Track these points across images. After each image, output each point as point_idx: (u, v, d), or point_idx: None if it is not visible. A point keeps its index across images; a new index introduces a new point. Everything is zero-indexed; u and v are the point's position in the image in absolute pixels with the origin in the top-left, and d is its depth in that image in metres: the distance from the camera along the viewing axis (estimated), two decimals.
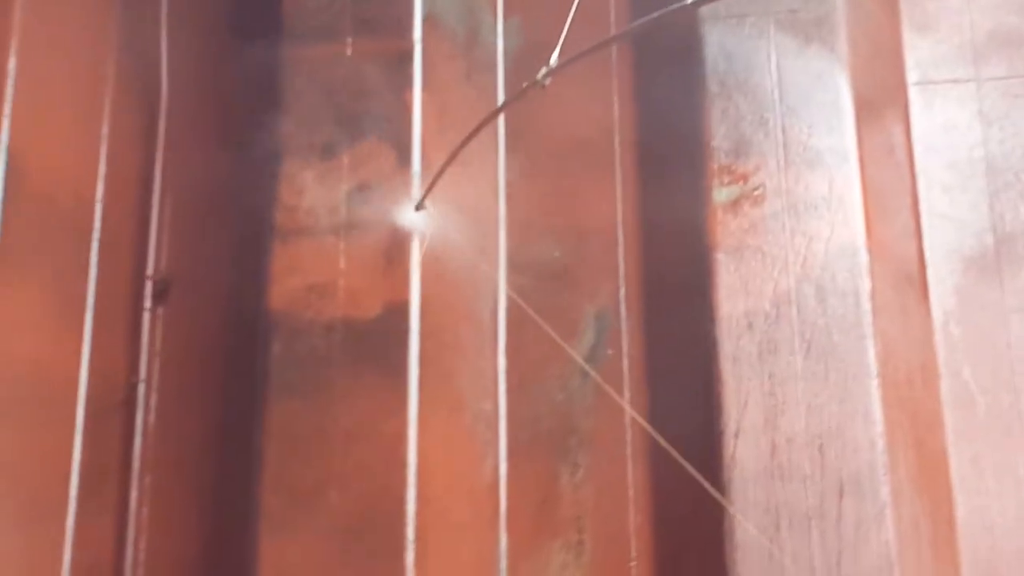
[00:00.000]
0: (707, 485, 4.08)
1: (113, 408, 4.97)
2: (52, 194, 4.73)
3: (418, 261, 4.71)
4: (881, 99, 5.10)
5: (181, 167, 5.27)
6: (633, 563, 4.84)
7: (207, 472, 4.99)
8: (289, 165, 4.87)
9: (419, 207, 4.68)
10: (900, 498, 4.49)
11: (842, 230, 4.74)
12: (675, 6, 3.41)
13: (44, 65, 4.72)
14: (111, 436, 4.94)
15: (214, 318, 5.12)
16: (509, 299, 5.02)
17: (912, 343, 4.86)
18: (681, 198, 4.96)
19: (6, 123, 4.54)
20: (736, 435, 4.58)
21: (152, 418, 5.05)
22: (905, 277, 4.93)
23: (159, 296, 5.16)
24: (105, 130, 5.03)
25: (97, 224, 4.92)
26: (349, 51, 4.98)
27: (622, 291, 5.13)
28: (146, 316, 5.13)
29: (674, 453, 4.00)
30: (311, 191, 4.83)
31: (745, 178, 4.84)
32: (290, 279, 4.75)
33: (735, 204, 4.82)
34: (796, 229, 4.76)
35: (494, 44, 5.35)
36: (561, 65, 3.67)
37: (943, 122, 5.28)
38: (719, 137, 4.90)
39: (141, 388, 5.05)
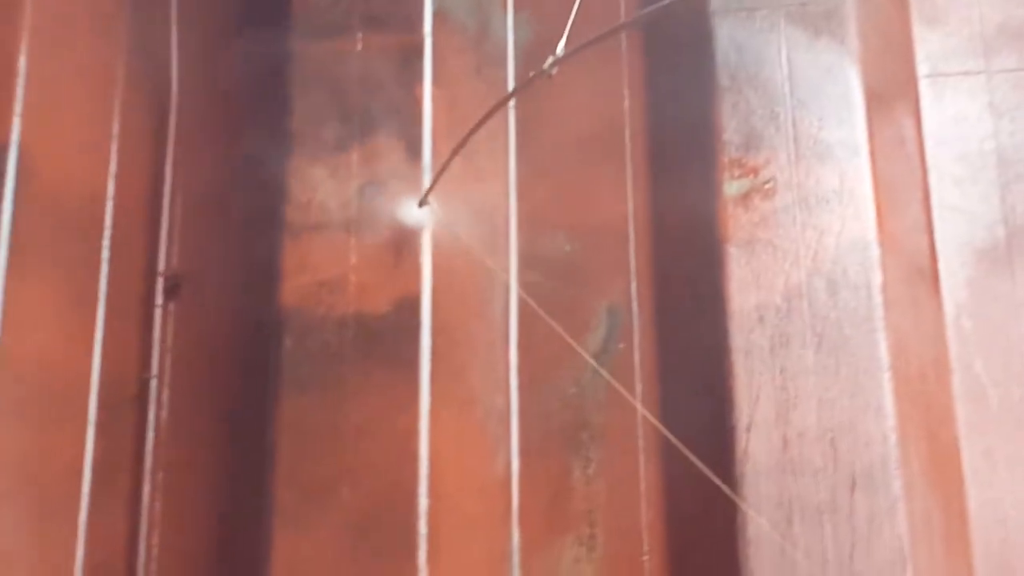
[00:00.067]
0: (720, 483, 4.07)
1: (125, 404, 4.98)
2: (63, 192, 4.74)
3: (429, 256, 4.71)
4: (891, 92, 5.08)
5: (192, 164, 5.28)
6: (645, 557, 4.84)
7: (219, 468, 4.99)
8: (299, 161, 4.88)
9: (422, 203, 4.68)
10: (912, 492, 4.48)
11: (853, 223, 4.73)
12: None
13: (54, 64, 4.74)
14: (123, 432, 4.95)
15: (225, 314, 5.12)
16: (520, 295, 5.02)
17: (924, 336, 4.85)
18: (692, 192, 4.96)
19: (17, 122, 4.56)
20: (748, 429, 4.58)
21: (164, 414, 5.07)
22: (917, 270, 4.92)
23: (170, 292, 5.17)
24: (115, 128, 5.04)
25: (108, 221, 4.93)
26: (359, 46, 4.98)
27: (633, 285, 5.12)
28: (157, 312, 5.14)
29: (686, 452, 4.00)
30: (321, 187, 4.83)
31: (756, 171, 4.83)
32: (301, 275, 4.76)
33: (746, 198, 4.81)
34: (807, 222, 4.75)
35: (504, 38, 5.35)
36: (568, 54, 3.67)
37: (954, 114, 5.26)
38: (730, 131, 4.89)
39: (153, 384, 5.06)
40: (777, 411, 4.58)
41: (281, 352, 4.71)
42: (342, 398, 4.64)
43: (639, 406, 4.70)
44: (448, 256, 4.75)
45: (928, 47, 5.32)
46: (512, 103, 5.22)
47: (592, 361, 4.85)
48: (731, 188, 4.83)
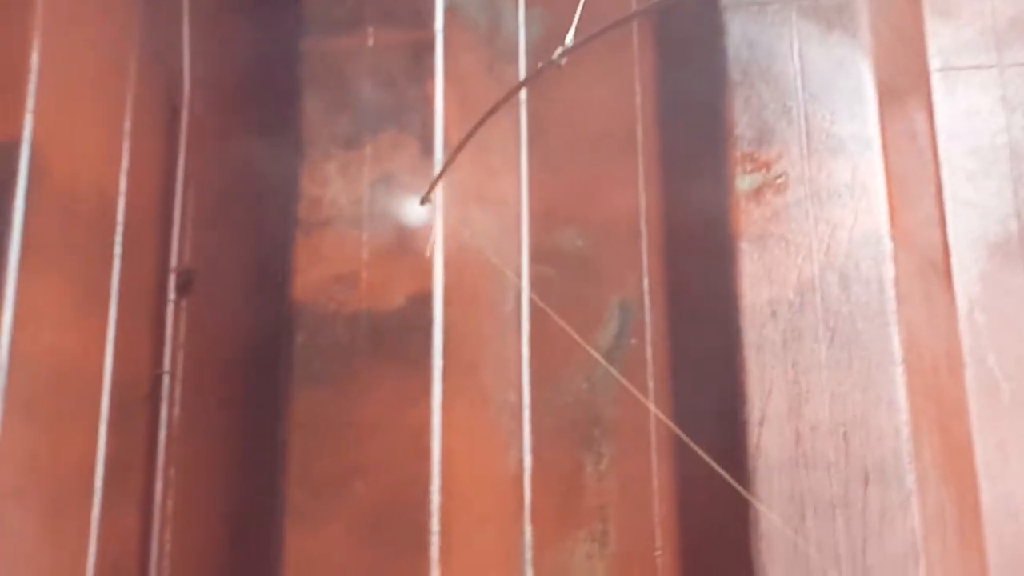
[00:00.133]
0: (730, 479, 4.05)
1: (137, 401, 5.00)
2: (75, 188, 4.75)
3: (441, 252, 4.71)
4: (903, 86, 5.08)
5: (204, 160, 5.29)
6: (658, 553, 4.84)
7: (231, 464, 5.00)
8: (311, 157, 4.88)
9: (424, 200, 4.66)
10: (925, 486, 4.48)
11: (865, 217, 4.72)
12: None
13: (66, 61, 4.74)
14: (136, 428, 4.97)
15: (238, 310, 5.13)
16: (532, 291, 5.02)
17: (936, 330, 4.85)
18: (704, 187, 4.96)
19: (29, 119, 4.56)
20: (760, 424, 4.57)
21: (176, 410, 5.08)
22: (929, 264, 4.91)
23: (183, 288, 5.18)
24: (128, 124, 5.05)
25: (120, 218, 4.95)
26: (371, 42, 4.98)
27: (645, 281, 5.12)
28: (170, 308, 5.15)
29: (700, 452, 3.98)
30: (334, 183, 4.83)
31: (768, 166, 4.83)
32: (313, 270, 4.76)
33: (758, 192, 4.81)
34: (819, 217, 4.74)
35: (516, 34, 5.36)
36: (577, 44, 3.65)
37: (966, 108, 5.25)
38: (742, 125, 4.88)
39: (165, 380, 5.08)
40: (789, 405, 4.58)
41: (293, 348, 4.71)
42: (354, 394, 4.64)
43: (652, 406, 4.69)
44: (460, 252, 4.75)
45: (940, 41, 5.31)
46: (524, 100, 5.23)
47: (603, 361, 4.83)
48: (743, 183, 4.82)
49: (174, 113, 5.29)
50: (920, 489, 4.44)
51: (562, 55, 3.66)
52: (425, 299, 4.68)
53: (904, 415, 4.50)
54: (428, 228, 4.71)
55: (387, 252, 4.74)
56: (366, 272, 4.73)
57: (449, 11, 5.01)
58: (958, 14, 5.35)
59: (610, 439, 4.98)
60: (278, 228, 4.87)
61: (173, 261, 5.19)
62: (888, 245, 4.69)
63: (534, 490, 4.92)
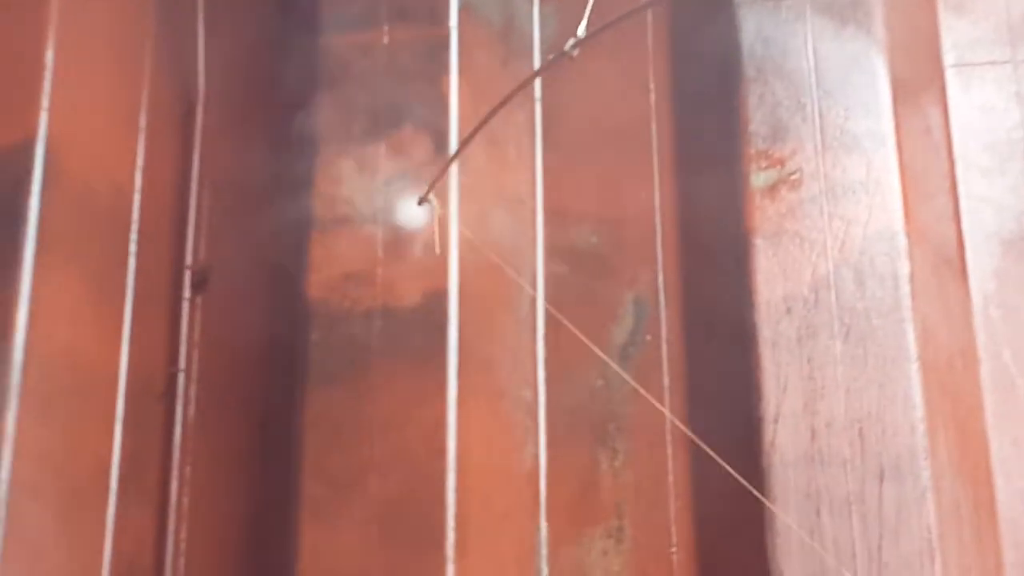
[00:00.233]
0: (747, 484, 4.05)
1: (153, 398, 5.00)
2: (90, 185, 4.76)
3: (456, 250, 4.71)
4: (918, 82, 5.08)
5: (219, 157, 5.29)
6: (673, 549, 4.83)
7: (246, 461, 4.99)
8: (326, 154, 4.89)
9: (422, 201, 4.62)
10: (941, 482, 4.48)
11: (880, 214, 4.72)
12: None
13: (81, 57, 4.75)
14: (151, 425, 4.97)
15: (253, 307, 5.12)
16: (547, 288, 5.03)
17: (951, 326, 4.84)
18: (718, 183, 4.95)
19: (44, 115, 4.57)
20: (775, 420, 4.57)
21: (192, 407, 5.08)
22: (944, 260, 4.91)
23: (198, 286, 5.18)
24: (143, 121, 5.06)
25: (136, 215, 4.95)
26: (386, 39, 4.99)
27: (660, 277, 5.12)
28: (185, 306, 5.15)
29: (717, 459, 3.98)
30: (349, 180, 4.84)
31: (782, 162, 4.83)
32: (328, 268, 4.77)
33: (772, 189, 4.81)
34: (834, 213, 4.74)
35: (530, 31, 5.36)
36: (589, 35, 3.64)
37: (980, 104, 5.25)
38: (756, 122, 4.89)
39: (181, 377, 5.07)
40: (805, 402, 4.58)
41: (308, 345, 4.72)
42: (369, 391, 4.65)
43: (668, 413, 4.67)
44: (474, 249, 4.74)
45: (954, 36, 5.30)
46: (539, 98, 5.23)
47: (618, 367, 4.82)
48: (758, 179, 4.83)
49: (189, 110, 5.29)
50: (935, 485, 4.44)
51: (574, 46, 3.64)
52: (440, 296, 4.69)
53: (919, 411, 4.50)
54: (439, 226, 4.69)
55: (402, 249, 4.75)
56: (381, 269, 4.74)
57: (464, 8, 5.02)
58: (972, 9, 5.34)
59: (625, 436, 4.98)
60: (293, 225, 4.88)
61: (188, 258, 5.19)
62: (903, 241, 4.69)
63: (549, 487, 4.92)
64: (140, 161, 5.00)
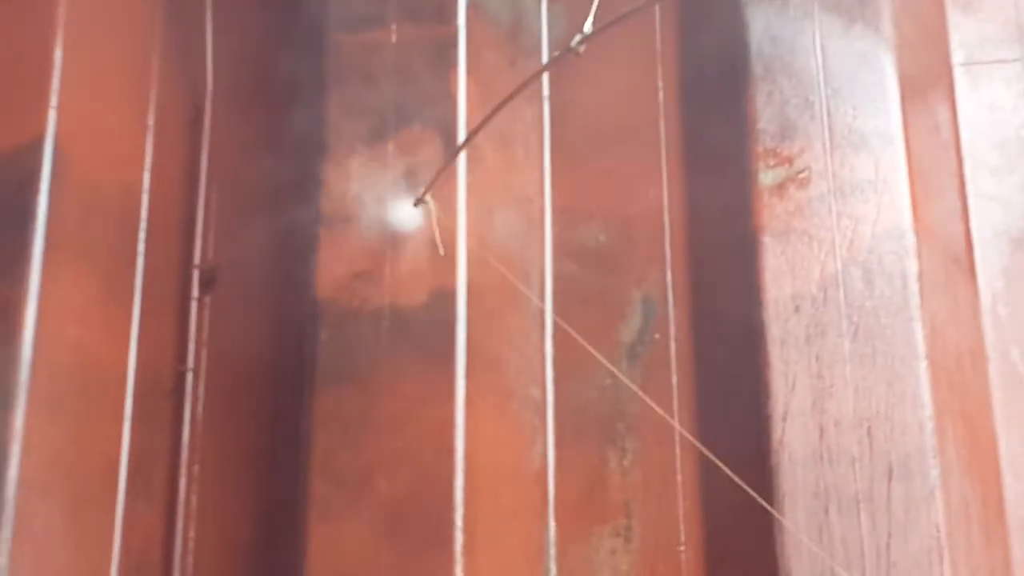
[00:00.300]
0: (758, 498, 4.04)
1: (161, 397, 5.01)
2: (99, 184, 4.77)
3: (464, 248, 4.71)
4: (926, 80, 5.07)
5: (227, 156, 5.29)
6: (682, 548, 4.83)
7: (255, 460, 4.99)
8: (335, 153, 4.89)
9: (418, 202, 4.61)
10: (949, 480, 4.47)
11: (888, 212, 4.71)
12: None
13: (89, 56, 4.76)
14: (159, 425, 4.97)
15: (261, 306, 5.12)
16: (555, 287, 5.03)
17: (960, 325, 4.84)
18: (727, 181, 4.95)
19: (52, 114, 4.58)
20: (784, 419, 4.56)
21: (200, 407, 5.08)
22: (952, 259, 4.90)
23: (206, 285, 5.18)
24: (151, 120, 5.06)
25: (144, 213, 4.96)
26: (394, 38, 4.99)
27: (668, 276, 5.11)
28: (193, 305, 5.16)
29: (725, 469, 3.98)
30: (357, 178, 4.84)
31: (790, 161, 4.82)
32: (337, 266, 4.76)
33: (781, 187, 4.80)
34: (842, 211, 4.74)
35: (538, 30, 5.36)
36: (596, 31, 3.64)
37: (989, 103, 5.24)
38: (764, 120, 4.88)
39: (189, 377, 5.08)
40: (813, 400, 4.57)
41: (317, 344, 4.72)
42: (378, 390, 4.65)
43: (677, 426, 4.67)
44: (483, 248, 4.75)
45: (963, 34, 5.29)
46: (547, 96, 5.24)
47: (625, 379, 4.81)
48: (766, 178, 4.82)
49: (197, 109, 5.30)
50: (944, 484, 4.43)
51: (580, 42, 3.64)
52: (449, 295, 4.69)
53: (928, 410, 4.49)
54: (437, 227, 4.68)
55: (411, 248, 4.75)
56: (390, 268, 4.74)
57: (472, 7, 5.02)
58: (981, 7, 5.33)
59: (634, 434, 4.97)
60: (302, 224, 4.88)
61: (197, 257, 5.19)
62: (911, 240, 4.68)
63: (558, 485, 4.92)
64: (148, 160, 5.01)
